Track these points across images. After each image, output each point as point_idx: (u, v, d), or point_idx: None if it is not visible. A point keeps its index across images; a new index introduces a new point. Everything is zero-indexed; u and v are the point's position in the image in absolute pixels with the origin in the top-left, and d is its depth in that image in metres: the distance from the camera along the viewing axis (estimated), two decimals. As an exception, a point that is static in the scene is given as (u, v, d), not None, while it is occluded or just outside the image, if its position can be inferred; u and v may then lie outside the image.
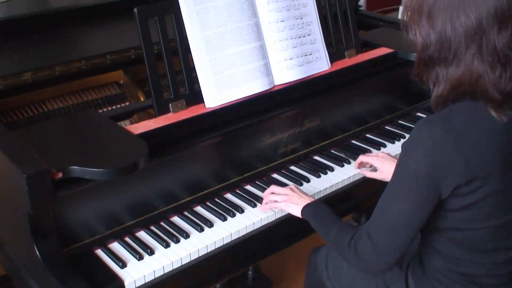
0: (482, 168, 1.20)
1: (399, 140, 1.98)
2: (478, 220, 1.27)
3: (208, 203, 1.63)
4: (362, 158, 1.77)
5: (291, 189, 1.60)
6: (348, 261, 1.37)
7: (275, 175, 1.77)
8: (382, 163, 1.71)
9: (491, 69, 1.16)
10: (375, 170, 1.74)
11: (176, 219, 1.57)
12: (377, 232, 1.29)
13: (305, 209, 1.52)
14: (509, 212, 1.28)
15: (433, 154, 1.19)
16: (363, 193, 1.82)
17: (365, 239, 1.30)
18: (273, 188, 1.63)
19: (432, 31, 1.19)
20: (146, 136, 1.47)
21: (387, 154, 1.77)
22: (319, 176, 1.77)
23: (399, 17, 4.46)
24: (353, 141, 1.97)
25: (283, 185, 1.71)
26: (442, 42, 1.19)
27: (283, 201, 1.57)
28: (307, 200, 1.55)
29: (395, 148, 1.94)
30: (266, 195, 1.63)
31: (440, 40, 1.19)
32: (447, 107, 1.25)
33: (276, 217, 1.61)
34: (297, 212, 1.54)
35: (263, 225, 1.58)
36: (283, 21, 1.79)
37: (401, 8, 4.45)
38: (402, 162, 1.26)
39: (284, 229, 1.62)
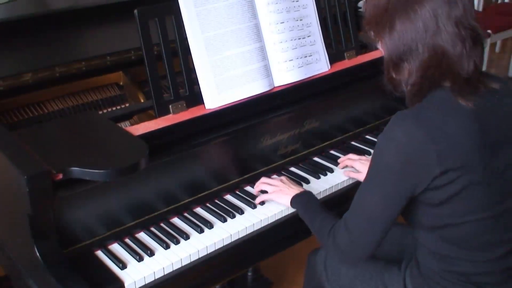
0: (457, 158, 1.22)
1: (398, 142, 1.98)
2: (463, 213, 1.28)
3: (208, 204, 1.63)
4: (346, 162, 1.81)
5: (281, 180, 1.65)
6: (328, 250, 1.44)
7: (275, 176, 1.77)
8: (365, 166, 1.74)
9: (452, 46, 1.23)
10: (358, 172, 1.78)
11: (176, 220, 1.57)
12: (353, 222, 1.34)
13: (294, 199, 1.57)
14: (496, 205, 1.29)
15: (405, 147, 1.23)
16: (363, 195, 1.82)
17: (342, 228, 1.36)
18: (264, 179, 1.67)
19: (394, 32, 1.27)
20: (146, 137, 1.47)
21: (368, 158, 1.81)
22: (318, 177, 1.77)
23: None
24: (352, 143, 1.97)
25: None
26: (405, 37, 1.25)
27: (273, 192, 1.61)
28: (297, 191, 1.59)
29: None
30: (257, 185, 1.67)
31: (402, 36, 1.26)
32: (421, 102, 1.29)
33: (276, 219, 1.61)
34: (287, 202, 1.58)
35: (263, 226, 1.59)
36: (283, 22, 1.79)
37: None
38: (376, 155, 1.30)
39: (284, 230, 1.62)
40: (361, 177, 1.74)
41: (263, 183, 1.67)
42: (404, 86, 1.31)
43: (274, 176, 1.73)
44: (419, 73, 1.26)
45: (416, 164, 1.22)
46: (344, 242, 1.35)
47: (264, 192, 1.66)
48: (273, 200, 1.62)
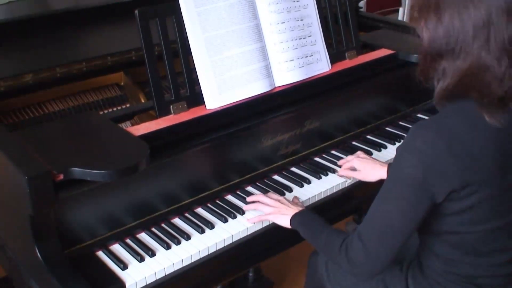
0: (477, 173, 1.20)
1: (399, 141, 1.98)
2: (474, 223, 1.27)
3: (209, 205, 1.63)
4: (346, 166, 1.77)
5: (279, 200, 1.58)
6: (339, 265, 1.37)
7: (275, 177, 1.77)
8: (362, 163, 1.73)
9: (497, 61, 1.15)
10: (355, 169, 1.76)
11: (177, 221, 1.57)
12: (369, 235, 1.29)
13: (293, 219, 1.50)
14: (506, 215, 1.29)
15: (426, 159, 1.19)
16: (364, 195, 1.82)
17: (356, 242, 1.30)
18: (260, 197, 1.61)
19: (440, 25, 1.19)
20: (147, 137, 1.47)
21: (367, 155, 1.80)
22: (319, 178, 1.77)
23: (400, 18, 4.46)
24: (353, 143, 1.97)
25: (284, 186, 1.71)
26: (450, 35, 1.18)
27: (271, 213, 1.55)
28: (296, 210, 1.53)
29: (395, 149, 1.94)
30: (251, 200, 1.61)
31: (447, 33, 1.18)
32: (444, 108, 1.25)
33: (277, 219, 1.61)
34: (286, 223, 1.52)
35: (264, 227, 1.58)
36: (284, 22, 1.79)
37: (401, 10, 4.46)
38: (395, 166, 1.26)
39: (285, 231, 1.62)
40: (358, 175, 1.74)
41: (259, 203, 1.60)
42: (436, 82, 1.24)
43: (271, 194, 1.65)
44: (456, 78, 1.20)
45: (436, 174, 1.19)
46: (359, 256, 1.30)
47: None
48: (271, 220, 1.56)
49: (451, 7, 1.17)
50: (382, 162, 1.75)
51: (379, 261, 1.29)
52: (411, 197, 1.22)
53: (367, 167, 1.72)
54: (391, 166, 1.27)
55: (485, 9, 1.14)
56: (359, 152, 1.81)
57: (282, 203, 1.57)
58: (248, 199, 1.64)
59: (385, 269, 1.34)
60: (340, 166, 1.81)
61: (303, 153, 1.84)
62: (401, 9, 4.47)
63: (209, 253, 1.48)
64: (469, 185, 1.20)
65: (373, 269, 1.31)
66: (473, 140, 1.20)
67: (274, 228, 1.59)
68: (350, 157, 1.80)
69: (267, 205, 1.57)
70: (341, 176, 1.77)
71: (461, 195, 1.21)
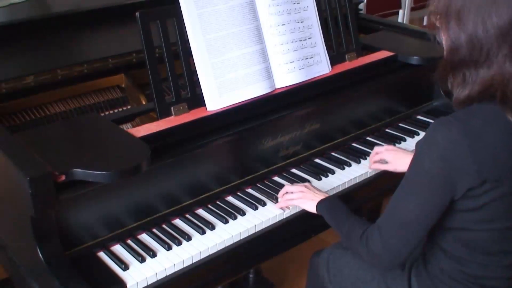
0: (495, 171, 1.21)
1: (399, 143, 1.99)
2: (487, 221, 1.27)
3: (209, 206, 1.64)
4: (376, 158, 1.80)
5: (305, 186, 1.62)
6: (360, 255, 1.40)
7: (276, 178, 1.78)
8: (392, 155, 1.75)
9: None
10: (385, 162, 1.78)
11: (178, 222, 1.58)
12: (388, 228, 1.31)
13: (320, 204, 1.54)
14: None
15: (447, 155, 1.20)
16: (364, 196, 1.82)
17: (376, 234, 1.33)
18: (287, 187, 1.65)
19: (463, 33, 1.19)
20: (148, 139, 1.48)
21: (394, 146, 1.82)
22: (320, 179, 1.77)
23: (399, 20, 4.46)
24: (354, 144, 1.97)
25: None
26: (474, 44, 1.18)
27: (298, 197, 1.59)
28: (322, 196, 1.57)
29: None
30: (282, 194, 1.64)
31: (471, 42, 1.18)
32: (465, 108, 1.26)
33: (278, 220, 1.61)
34: (312, 207, 1.56)
35: (265, 228, 1.59)
36: (284, 24, 1.79)
37: (401, 12, 4.47)
38: (416, 161, 1.27)
39: (286, 232, 1.63)
40: (390, 167, 1.76)
41: (286, 190, 1.63)
42: (455, 86, 1.25)
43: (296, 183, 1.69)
44: (478, 87, 1.20)
45: (456, 171, 1.20)
46: (377, 248, 1.32)
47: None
48: (297, 205, 1.60)
49: (473, 15, 1.16)
50: (410, 152, 1.76)
51: (397, 253, 1.31)
52: (431, 192, 1.24)
53: (397, 158, 1.74)
54: (411, 161, 1.28)
55: (508, 18, 1.13)
56: (386, 146, 1.82)
57: (308, 188, 1.61)
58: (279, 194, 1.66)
59: (405, 261, 1.35)
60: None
61: (304, 154, 1.85)
62: (401, 11, 4.48)
63: (210, 254, 1.49)
64: (486, 182, 1.21)
65: (391, 261, 1.33)
66: (493, 138, 1.21)
67: (274, 229, 1.59)
68: (378, 149, 1.81)
69: (293, 191, 1.61)
70: (373, 169, 1.80)
71: (478, 192, 1.23)
